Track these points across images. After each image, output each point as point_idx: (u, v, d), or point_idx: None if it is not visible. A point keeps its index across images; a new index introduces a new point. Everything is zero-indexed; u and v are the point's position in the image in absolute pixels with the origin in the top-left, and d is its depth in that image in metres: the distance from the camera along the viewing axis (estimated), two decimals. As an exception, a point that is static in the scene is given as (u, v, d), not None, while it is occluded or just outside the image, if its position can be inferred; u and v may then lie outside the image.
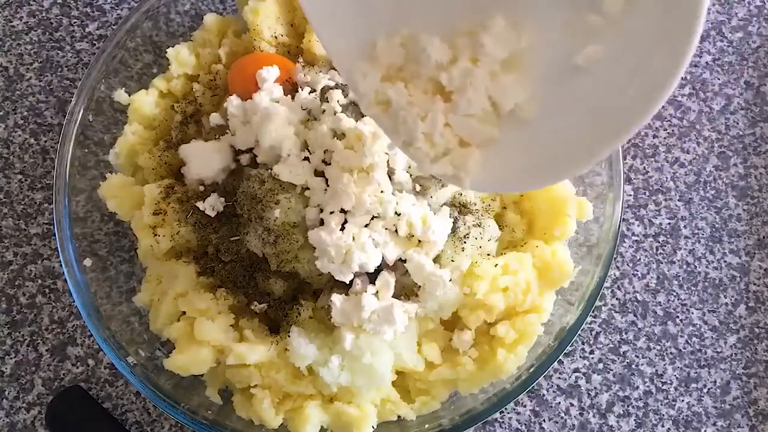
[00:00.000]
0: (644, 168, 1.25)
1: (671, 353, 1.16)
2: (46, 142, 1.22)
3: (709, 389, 1.15)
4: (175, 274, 1.00)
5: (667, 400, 1.14)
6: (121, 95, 1.09)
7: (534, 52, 0.77)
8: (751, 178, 1.26)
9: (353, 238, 0.92)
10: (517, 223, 1.04)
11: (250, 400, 0.97)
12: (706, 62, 1.30)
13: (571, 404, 1.13)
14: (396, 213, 0.94)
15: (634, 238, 1.22)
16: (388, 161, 0.95)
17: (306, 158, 0.97)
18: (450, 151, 0.80)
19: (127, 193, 1.05)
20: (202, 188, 1.02)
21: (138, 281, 1.07)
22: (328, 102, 0.98)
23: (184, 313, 0.99)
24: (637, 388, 1.14)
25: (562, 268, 1.00)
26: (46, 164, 1.21)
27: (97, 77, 1.07)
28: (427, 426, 1.00)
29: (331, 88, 1.00)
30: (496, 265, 0.99)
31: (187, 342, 0.97)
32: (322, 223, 0.95)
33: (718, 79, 1.30)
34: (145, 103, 1.08)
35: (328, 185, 0.95)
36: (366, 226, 0.94)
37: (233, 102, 1.02)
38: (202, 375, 1.00)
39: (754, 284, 1.20)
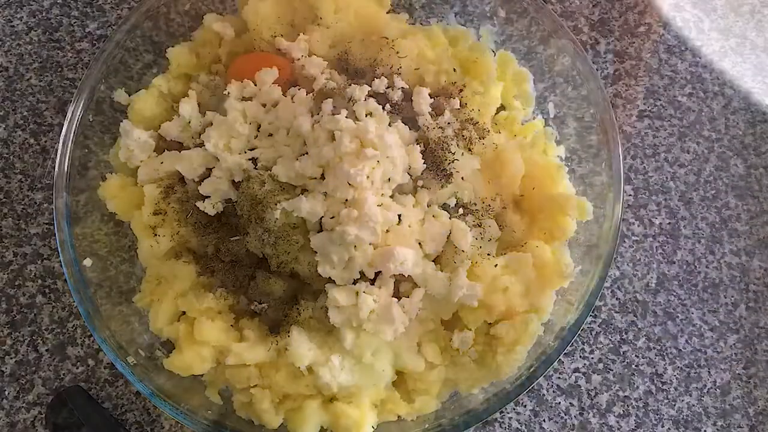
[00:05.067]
0: (644, 168, 1.25)
1: (671, 353, 1.16)
2: (46, 142, 1.22)
3: (709, 389, 1.15)
4: (175, 274, 1.00)
5: (667, 400, 1.14)
6: (121, 95, 1.09)
7: None
8: (751, 178, 1.26)
9: (355, 247, 0.92)
10: (517, 223, 1.04)
11: (250, 400, 0.97)
12: (706, 62, 1.30)
13: (571, 404, 1.13)
14: (398, 216, 0.94)
15: (634, 238, 1.22)
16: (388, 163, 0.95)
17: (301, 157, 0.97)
18: None
19: (127, 193, 1.05)
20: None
21: (138, 281, 1.07)
22: (325, 102, 0.98)
23: (184, 313, 0.99)
24: (637, 388, 1.14)
25: (562, 268, 1.00)
26: (46, 164, 1.21)
27: (97, 77, 1.07)
28: (427, 426, 0.99)
29: (328, 92, 1.00)
30: (496, 265, 0.99)
31: (187, 342, 0.97)
32: (322, 224, 0.95)
33: (718, 78, 1.30)
34: (145, 103, 1.08)
35: (328, 187, 0.94)
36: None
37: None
38: (202, 375, 1.00)
39: (754, 284, 1.20)
